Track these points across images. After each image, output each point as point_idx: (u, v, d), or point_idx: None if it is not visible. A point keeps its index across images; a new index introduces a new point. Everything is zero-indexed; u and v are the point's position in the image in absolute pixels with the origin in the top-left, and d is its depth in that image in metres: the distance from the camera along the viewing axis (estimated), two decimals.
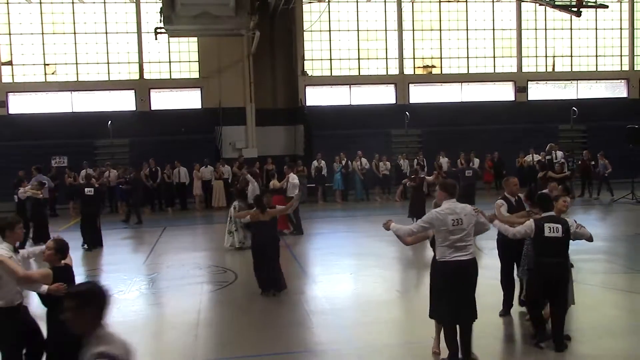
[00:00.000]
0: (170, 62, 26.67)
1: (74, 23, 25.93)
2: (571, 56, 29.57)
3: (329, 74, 27.70)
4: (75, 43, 26.02)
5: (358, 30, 27.79)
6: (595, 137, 26.22)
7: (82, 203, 15.46)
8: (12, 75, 25.91)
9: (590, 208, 19.83)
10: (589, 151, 23.04)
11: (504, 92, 29.17)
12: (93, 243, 14.67)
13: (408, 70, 28.29)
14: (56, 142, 23.72)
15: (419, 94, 28.18)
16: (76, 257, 13.95)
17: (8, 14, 25.62)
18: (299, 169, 23.09)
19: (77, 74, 26.14)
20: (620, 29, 29.70)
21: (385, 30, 27.91)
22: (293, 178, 16.17)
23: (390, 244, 14.70)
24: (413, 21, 28.16)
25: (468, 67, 28.68)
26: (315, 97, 27.41)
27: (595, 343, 7.49)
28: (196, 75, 26.68)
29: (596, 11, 27.25)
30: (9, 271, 5.80)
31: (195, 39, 26.10)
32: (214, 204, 22.13)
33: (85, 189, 15.12)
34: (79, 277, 11.92)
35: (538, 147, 23.66)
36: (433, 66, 28.69)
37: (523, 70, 29.08)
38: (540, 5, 27.15)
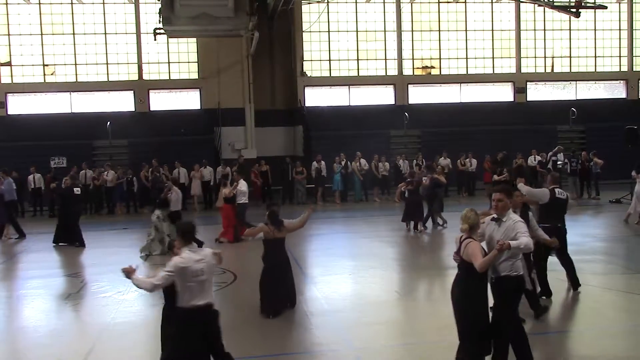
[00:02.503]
0: (169, 62, 26.67)
1: (73, 24, 25.94)
2: (570, 57, 29.60)
3: (328, 75, 27.71)
4: (74, 44, 26.02)
5: (357, 31, 27.80)
6: (594, 138, 26.24)
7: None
8: (11, 76, 25.90)
9: (589, 209, 19.83)
10: (587, 152, 23.02)
11: (503, 93, 29.19)
12: (63, 240, 15.25)
13: (407, 71, 28.31)
14: (55, 143, 23.65)
15: (418, 95, 28.19)
16: (73, 257, 14.03)
17: (7, 14, 25.61)
18: (298, 169, 23.11)
19: (76, 74, 26.13)
20: (619, 29, 29.74)
21: (384, 31, 27.95)
22: (242, 185, 15.32)
23: (389, 245, 14.75)
24: (412, 22, 28.19)
25: (467, 67, 28.70)
26: (314, 97, 27.42)
27: (595, 343, 7.50)
28: (195, 76, 26.68)
29: (595, 12, 27.25)
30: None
31: (194, 39, 26.10)
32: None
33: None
34: (81, 277, 11.97)
35: (536, 148, 23.66)
36: (432, 67, 28.71)
37: (522, 71, 29.10)
38: (539, 6, 27.18)
